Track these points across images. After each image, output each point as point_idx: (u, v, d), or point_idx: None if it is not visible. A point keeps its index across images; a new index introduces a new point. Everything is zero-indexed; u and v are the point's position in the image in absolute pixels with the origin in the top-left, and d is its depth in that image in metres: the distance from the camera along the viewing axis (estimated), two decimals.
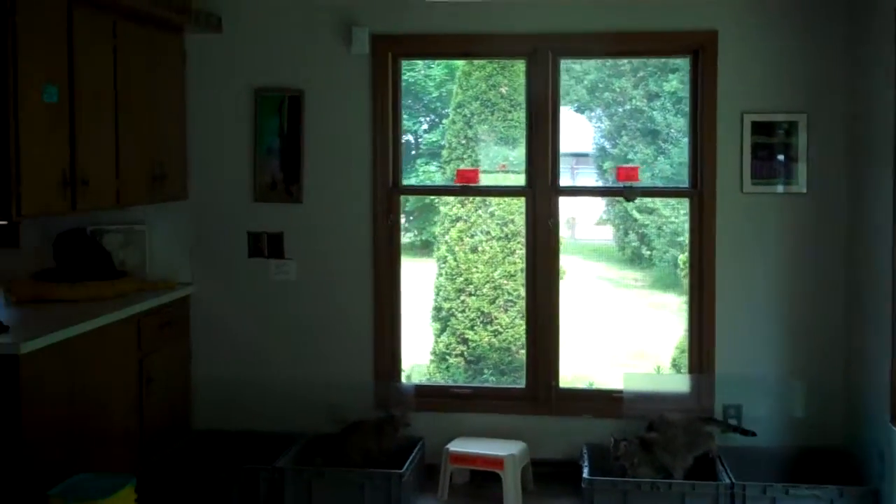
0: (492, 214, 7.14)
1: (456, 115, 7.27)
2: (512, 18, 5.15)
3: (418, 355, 7.24)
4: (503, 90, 7.05)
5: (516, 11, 5.13)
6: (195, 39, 5.33)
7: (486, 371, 7.09)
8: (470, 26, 5.17)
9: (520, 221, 5.34)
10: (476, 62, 6.92)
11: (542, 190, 5.26)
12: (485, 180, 7.17)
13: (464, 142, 7.23)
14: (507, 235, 7.09)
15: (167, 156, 5.17)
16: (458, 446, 5.13)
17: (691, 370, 5.24)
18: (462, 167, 6.95)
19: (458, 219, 7.24)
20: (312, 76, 5.30)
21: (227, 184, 5.39)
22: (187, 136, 5.38)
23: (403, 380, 5.58)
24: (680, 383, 5.43)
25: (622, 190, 5.28)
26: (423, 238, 8.24)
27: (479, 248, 7.17)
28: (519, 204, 5.47)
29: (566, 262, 8.49)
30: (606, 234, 9.20)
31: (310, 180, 5.34)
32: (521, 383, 5.47)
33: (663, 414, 4.92)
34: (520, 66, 5.48)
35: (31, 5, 3.96)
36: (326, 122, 5.31)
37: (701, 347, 5.18)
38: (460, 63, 7.14)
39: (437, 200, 7.62)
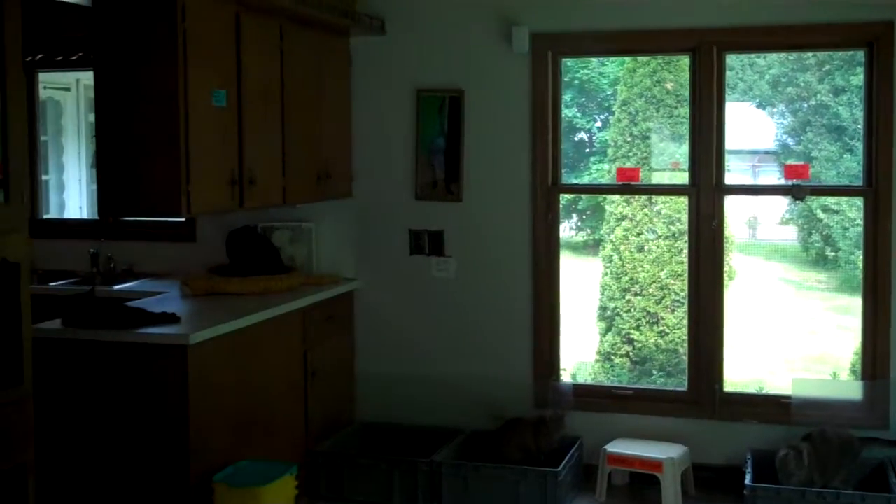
0: (658, 213, 7.01)
1: (621, 113, 7.17)
2: (675, 13, 5.03)
3: (584, 354, 7.19)
4: (669, 86, 6.90)
5: (680, 6, 5.01)
6: (360, 42, 5.47)
7: (654, 372, 6.98)
8: (632, 22, 5.09)
9: (686, 220, 5.23)
10: (640, 58, 6.80)
11: (705, 188, 5.12)
12: (656, 178, 7.05)
13: (629, 139, 7.13)
14: (673, 234, 6.95)
15: (332, 155, 5.34)
16: (616, 447, 5.07)
17: (864, 376, 4.98)
18: (627, 165, 6.85)
19: (624, 217, 7.15)
20: (473, 76, 5.34)
21: (390, 182, 5.51)
22: (352, 135, 5.53)
23: (566, 378, 5.55)
24: (852, 390, 5.18)
25: (790, 188, 5.07)
26: (595, 237, 8.18)
27: (646, 247, 7.05)
28: (684, 202, 5.34)
29: (744, 262, 8.25)
30: (790, 235, 8.84)
31: (470, 179, 5.39)
32: (685, 386, 5.36)
33: (825, 430, 4.71)
34: (684, 60, 5.35)
35: (201, 13, 4.17)
36: (486, 121, 5.35)
37: (875, 353, 4.93)
38: (625, 59, 7.03)
39: (603, 199, 7.55)
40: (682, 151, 6.63)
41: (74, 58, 5.91)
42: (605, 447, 5.05)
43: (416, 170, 5.46)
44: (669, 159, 7.00)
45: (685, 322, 5.39)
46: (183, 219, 5.64)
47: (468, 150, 5.38)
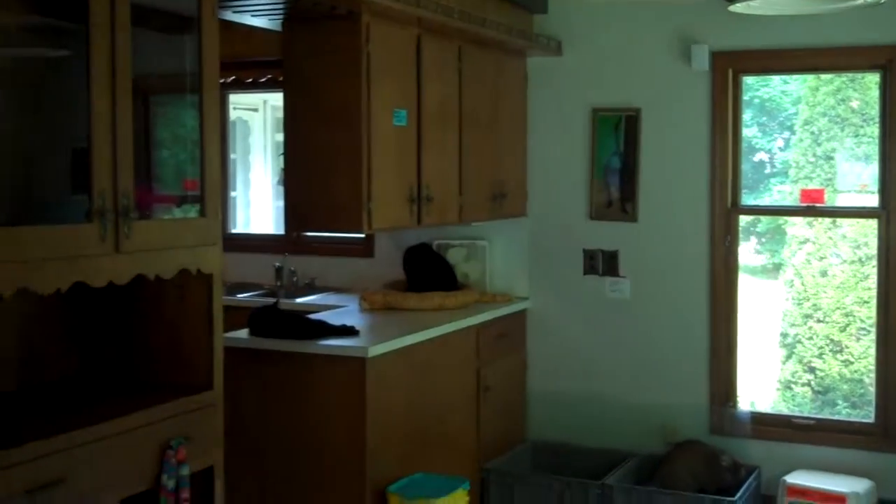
0: (843, 236, 6.72)
1: (803, 133, 6.93)
2: (863, 29, 4.83)
3: (762, 381, 6.96)
4: (854, 104, 6.62)
5: (868, 21, 4.81)
6: (536, 62, 5.51)
7: (838, 402, 6.69)
8: (816, 39, 4.92)
9: (875, 244, 5.01)
10: (823, 76, 6.56)
11: None
12: (840, 200, 6.77)
13: (812, 160, 6.88)
14: (860, 259, 6.65)
15: (508, 174, 5.39)
16: (797, 479, 4.89)
17: None
18: (810, 186, 6.61)
19: (806, 241, 6.90)
20: (650, 95, 5.29)
21: (564, 202, 5.51)
22: (527, 155, 5.57)
23: (742, 405, 5.39)
24: None
25: None
26: (775, 260, 7.92)
27: (829, 272, 6.78)
28: (872, 225, 5.12)
29: None
30: None
31: (646, 199, 5.33)
32: (872, 417, 5.11)
33: None
34: (871, 77, 5.13)
35: (385, 36, 4.29)
36: (663, 141, 5.28)
37: None
38: (807, 77, 6.80)
39: (784, 222, 7.30)
40: (869, 172, 6.35)
41: (263, 80, 6.18)
42: (785, 478, 4.88)
43: (590, 189, 5.44)
44: (855, 180, 6.71)
45: (872, 351, 5.15)
46: (363, 235, 5.82)
47: (644, 169, 5.33)
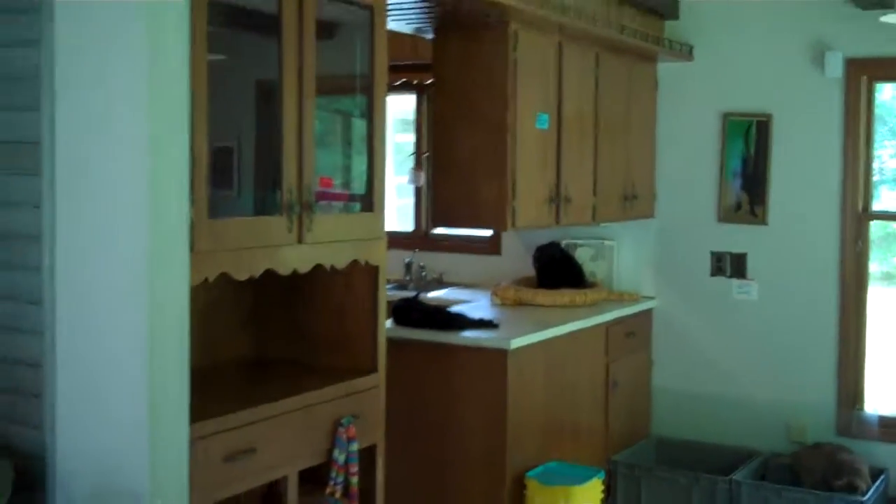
0: None
1: None
2: None
3: (886, 386, 6.94)
4: None
5: None
6: (667, 67, 5.64)
7: None
8: None
9: None
10: None
11: None
12: None
13: None
14: None
15: (638, 177, 5.54)
16: None
17: None
18: None
19: None
20: (781, 100, 5.38)
21: (693, 204, 5.63)
22: (656, 158, 5.70)
23: (869, 408, 5.43)
24: None
25: None
26: (884, 269, 7.85)
27: None
28: None
29: None
30: None
31: (775, 202, 5.42)
32: None
33: None
34: None
35: (530, 43, 4.50)
36: (794, 146, 5.36)
37: None
38: None
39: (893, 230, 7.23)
40: None
41: (398, 83, 6.43)
42: None
43: (719, 192, 5.55)
44: None
45: None
46: (490, 233, 6.03)
47: (774, 173, 5.41)
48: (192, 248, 2.74)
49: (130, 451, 2.64)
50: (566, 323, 4.84)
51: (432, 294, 5.87)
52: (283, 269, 3.14)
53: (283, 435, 3.15)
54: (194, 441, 2.78)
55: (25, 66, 2.75)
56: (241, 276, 3.00)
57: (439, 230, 6.21)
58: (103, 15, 2.61)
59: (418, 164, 6.31)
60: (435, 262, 6.29)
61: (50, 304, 2.74)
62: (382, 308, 3.61)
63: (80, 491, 2.71)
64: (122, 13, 2.58)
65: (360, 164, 3.71)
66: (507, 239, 6.03)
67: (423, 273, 6.26)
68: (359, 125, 3.75)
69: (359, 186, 3.69)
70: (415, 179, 6.31)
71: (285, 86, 3.10)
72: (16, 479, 2.72)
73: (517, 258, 5.88)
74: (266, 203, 3.16)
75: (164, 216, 2.63)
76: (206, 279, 2.85)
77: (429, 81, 5.81)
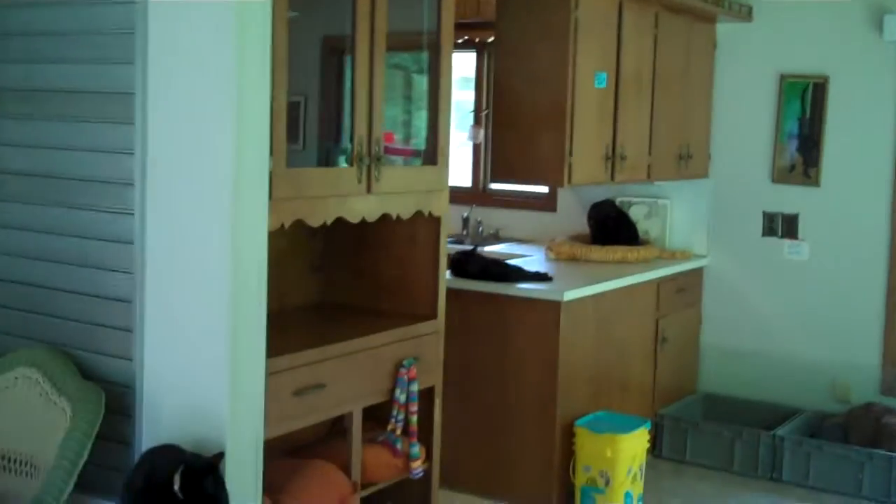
0: None
1: None
2: None
3: None
4: None
5: None
6: (726, 28, 5.70)
7: None
8: None
9: None
10: None
11: None
12: None
13: None
14: None
15: (694, 137, 5.63)
16: None
17: None
18: None
19: None
20: (839, 63, 5.42)
21: (747, 165, 5.71)
22: (712, 118, 5.79)
23: None
24: None
25: None
26: None
27: None
28: None
29: None
30: None
31: (829, 165, 5.49)
32: None
33: None
34: None
35: (591, 2, 4.61)
36: (850, 109, 5.42)
37: None
38: None
39: None
40: None
41: (460, 41, 6.55)
42: None
43: (774, 153, 5.63)
44: None
45: None
46: (546, 190, 6.17)
47: (829, 136, 5.48)
48: (270, 196, 2.93)
49: (212, 382, 2.85)
50: (619, 278, 4.98)
51: (489, 248, 6.03)
52: (353, 218, 3.32)
53: (350, 373, 3.35)
54: (269, 375, 2.99)
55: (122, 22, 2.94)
56: (315, 222, 3.18)
57: (496, 186, 6.36)
58: None
59: (478, 122, 6.45)
60: (492, 217, 6.44)
61: (140, 245, 2.95)
62: (443, 257, 3.79)
63: (165, 417, 2.93)
64: None
65: (419, 120, 3.86)
66: (563, 196, 6.16)
67: (480, 228, 6.42)
68: (419, 81, 3.90)
69: (418, 142, 3.85)
70: (474, 136, 6.45)
71: (357, 42, 3.26)
72: (107, 403, 2.95)
73: (572, 215, 6.02)
74: (336, 155, 3.33)
75: (247, 165, 2.81)
76: (282, 225, 3.04)
77: (490, 40, 5.96)
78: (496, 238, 6.33)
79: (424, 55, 3.74)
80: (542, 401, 4.53)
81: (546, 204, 6.30)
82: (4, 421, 3.04)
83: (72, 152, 3.09)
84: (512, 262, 5.25)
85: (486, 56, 6.35)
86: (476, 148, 6.55)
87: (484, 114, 6.34)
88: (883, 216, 5.37)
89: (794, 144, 5.58)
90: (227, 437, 2.84)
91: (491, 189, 6.49)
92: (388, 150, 3.55)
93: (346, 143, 3.38)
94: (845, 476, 4.90)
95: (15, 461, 3.01)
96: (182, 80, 2.84)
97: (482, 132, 6.41)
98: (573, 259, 5.41)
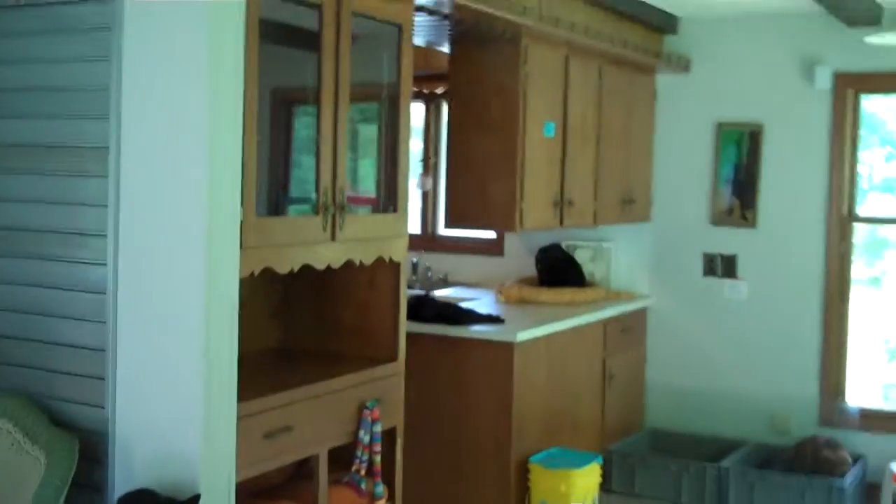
0: None
1: None
2: None
3: (867, 383, 7.26)
4: None
5: None
6: (665, 79, 5.97)
7: None
8: None
9: None
10: None
11: None
12: None
13: None
14: None
15: (636, 182, 5.86)
16: None
17: None
18: None
19: None
20: (773, 111, 5.71)
21: (687, 208, 5.96)
22: (653, 165, 6.03)
23: (850, 400, 5.76)
24: None
25: None
26: (871, 273, 8.16)
27: None
28: None
29: None
30: None
31: (765, 207, 5.75)
32: None
33: None
34: None
35: (539, 57, 4.82)
36: (784, 154, 5.70)
37: None
38: None
39: (886, 234, 7.55)
40: None
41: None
42: (891, 465, 5.24)
43: (712, 197, 5.88)
44: None
45: None
46: (494, 235, 6.34)
47: (764, 179, 5.75)
48: (241, 245, 3.04)
49: (185, 427, 2.93)
50: (568, 319, 5.15)
51: (439, 292, 6.17)
52: (319, 265, 3.44)
53: (316, 416, 3.45)
54: (240, 419, 3.08)
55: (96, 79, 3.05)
56: (283, 269, 3.29)
57: (445, 232, 6.52)
58: (167, 29, 2.91)
59: (426, 170, 6.62)
60: (440, 262, 6.57)
61: (112, 294, 3.03)
62: (403, 301, 3.91)
63: (138, 462, 3.00)
64: (186, 28, 2.87)
65: (364, 168, 3.99)
66: (510, 241, 6.34)
67: (430, 273, 6.55)
68: (364, 129, 4.04)
69: (366, 190, 3.98)
70: (423, 184, 6.61)
71: (323, 97, 3.39)
72: (80, 451, 3.01)
73: (518, 259, 6.20)
74: (286, 204, 3.46)
75: (219, 216, 2.92)
76: (252, 273, 3.15)
77: (439, 90, 6.15)
78: (445, 282, 6.46)
79: (374, 106, 3.88)
80: (498, 439, 4.66)
81: (493, 248, 6.46)
82: None
83: (45, 205, 3.17)
84: (464, 305, 5.40)
85: (433, 107, 6.53)
86: (425, 195, 6.71)
87: (431, 162, 6.51)
88: (817, 255, 5.64)
89: (730, 188, 5.84)
90: (200, 481, 2.91)
91: (439, 235, 6.64)
92: (349, 199, 3.68)
93: (297, 193, 3.51)
94: (789, 503, 5.10)
95: None
96: (155, 135, 2.95)
97: (430, 180, 6.57)
98: (523, 301, 5.58)
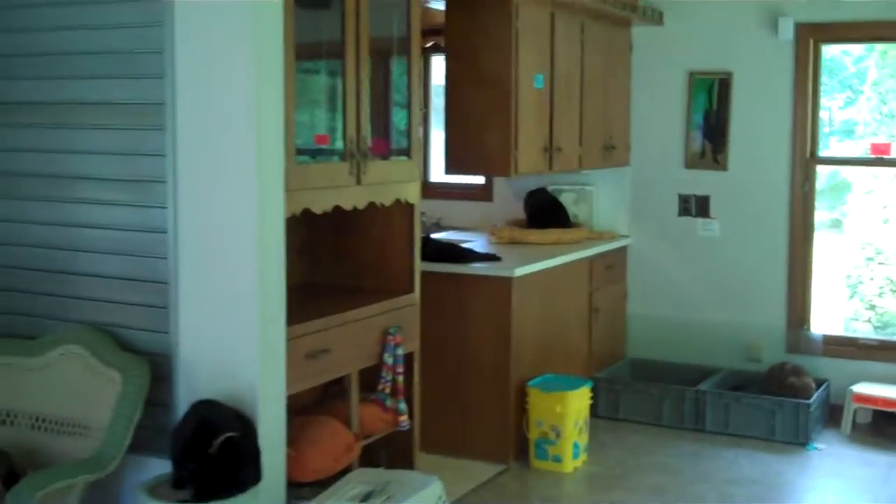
0: None
1: (871, 92, 7.71)
2: None
3: (829, 316, 7.76)
4: None
5: None
6: (640, 31, 6.38)
7: None
8: (883, 14, 5.77)
9: None
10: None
11: None
12: None
13: (878, 118, 7.66)
14: None
15: (615, 129, 6.29)
16: (861, 388, 5.76)
17: None
18: (875, 142, 7.41)
19: (871, 191, 7.68)
20: (741, 60, 6.15)
21: (662, 153, 6.40)
22: (630, 113, 6.46)
23: (814, 329, 6.27)
24: None
25: None
26: (834, 216, 8.65)
27: (892, 219, 7.56)
28: None
29: None
30: None
31: (734, 150, 6.21)
32: None
33: None
34: None
35: (528, 13, 5.22)
36: (751, 100, 6.14)
37: None
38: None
39: (847, 177, 8.04)
40: None
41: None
42: (851, 387, 5.76)
43: (686, 142, 6.33)
44: None
45: None
46: (483, 181, 6.76)
47: (734, 125, 6.20)
48: (285, 188, 3.44)
49: (243, 347, 3.35)
50: (558, 257, 5.59)
51: (435, 235, 6.58)
52: (347, 206, 3.85)
53: (348, 340, 3.88)
54: (287, 341, 3.50)
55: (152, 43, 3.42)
56: (318, 210, 3.70)
57: (437, 178, 6.92)
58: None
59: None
60: (433, 208, 6.95)
61: (173, 233, 3.43)
62: (417, 239, 4.34)
63: (201, 380, 3.41)
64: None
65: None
66: (498, 186, 6.75)
67: (424, 218, 6.91)
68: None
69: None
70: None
71: (347, 54, 3.77)
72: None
73: (506, 203, 6.62)
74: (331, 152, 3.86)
75: (267, 162, 3.32)
76: (293, 213, 3.55)
77: (429, 45, 6.52)
78: (438, 227, 6.86)
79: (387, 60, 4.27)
80: (498, 366, 5.11)
81: (483, 194, 6.88)
82: (54, 392, 3.49)
83: (108, 156, 3.55)
84: (465, 245, 5.82)
85: (426, 60, 6.90)
86: None
87: (423, 113, 6.89)
88: (783, 195, 6.11)
89: (702, 133, 6.29)
90: (257, 395, 3.34)
91: (432, 182, 7.04)
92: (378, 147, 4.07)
93: (327, 143, 3.92)
94: (760, 423, 5.59)
95: (67, 424, 3.45)
96: (207, 91, 3.34)
97: (421, 129, 6.94)
98: (514, 242, 5.99)
